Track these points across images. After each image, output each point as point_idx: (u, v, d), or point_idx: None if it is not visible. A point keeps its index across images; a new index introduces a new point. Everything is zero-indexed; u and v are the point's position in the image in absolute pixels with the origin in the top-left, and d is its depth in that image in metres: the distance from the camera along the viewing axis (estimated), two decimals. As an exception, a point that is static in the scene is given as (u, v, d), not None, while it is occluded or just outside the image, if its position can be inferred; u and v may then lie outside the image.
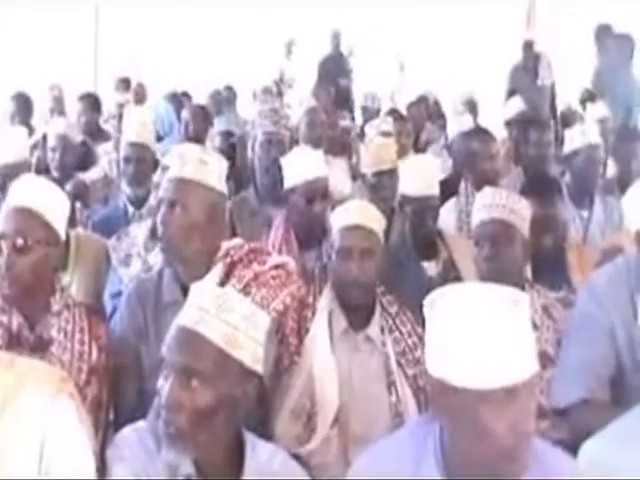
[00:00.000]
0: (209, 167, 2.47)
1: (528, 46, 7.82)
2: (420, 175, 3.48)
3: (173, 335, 1.81)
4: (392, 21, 11.16)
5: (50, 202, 2.32)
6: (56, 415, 1.68)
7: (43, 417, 1.66)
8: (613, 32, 6.75)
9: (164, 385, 1.78)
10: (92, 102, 6.06)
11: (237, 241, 2.62)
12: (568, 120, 6.19)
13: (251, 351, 1.80)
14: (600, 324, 2.43)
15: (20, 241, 2.25)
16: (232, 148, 5.40)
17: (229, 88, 8.07)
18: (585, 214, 4.12)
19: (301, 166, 3.32)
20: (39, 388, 1.69)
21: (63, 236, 2.37)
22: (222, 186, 2.52)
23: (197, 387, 1.75)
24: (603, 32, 6.77)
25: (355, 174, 5.03)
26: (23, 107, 6.06)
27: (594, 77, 7.14)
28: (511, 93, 7.22)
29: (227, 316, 1.78)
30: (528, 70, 7.59)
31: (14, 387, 1.67)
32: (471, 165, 4.12)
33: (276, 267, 2.55)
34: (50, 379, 1.74)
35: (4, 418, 1.65)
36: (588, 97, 7.04)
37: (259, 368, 1.83)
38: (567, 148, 4.34)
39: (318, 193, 3.28)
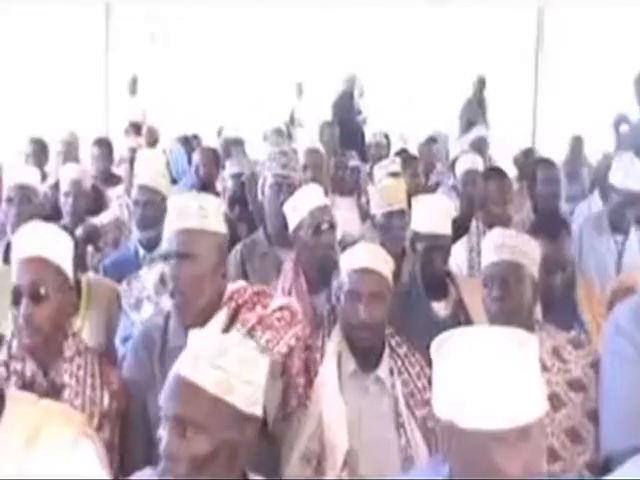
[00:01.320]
0: (209, 212, 2.47)
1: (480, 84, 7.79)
2: (433, 213, 3.47)
3: (169, 385, 1.81)
4: (402, 60, 11.26)
5: (59, 248, 2.35)
6: (78, 460, 1.69)
7: (66, 461, 1.67)
8: None
9: (163, 434, 1.79)
10: (105, 147, 6.12)
11: (241, 284, 2.63)
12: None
13: (248, 394, 1.80)
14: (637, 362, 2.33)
15: (39, 291, 2.27)
16: (243, 190, 5.43)
17: (238, 129, 8.12)
18: (619, 239, 4.15)
19: (302, 201, 3.34)
20: (62, 430, 1.70)
21: (73, 280, 2.39)
22: (222, 227, 2.53)
23: (192, 436, 1.75)
24: None
25: (364, 215, 5.04)
26: (39, 152, 6.12)
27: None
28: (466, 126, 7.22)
29: (220, 361, 1.78)
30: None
31: (40, 423, 1.69)
32: (484, 206, 4.13)
33: (280, 309, 2.55)
34: (73, 421, 1.75)
35: (29, 454, 1.66)
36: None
37: (258, 411, 1.82)
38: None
39: (324, 220, 3.28)
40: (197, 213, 2.45)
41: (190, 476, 1.75)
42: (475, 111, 7.28)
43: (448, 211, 3.57)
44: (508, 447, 1.55)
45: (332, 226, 3.32)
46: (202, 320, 2.39)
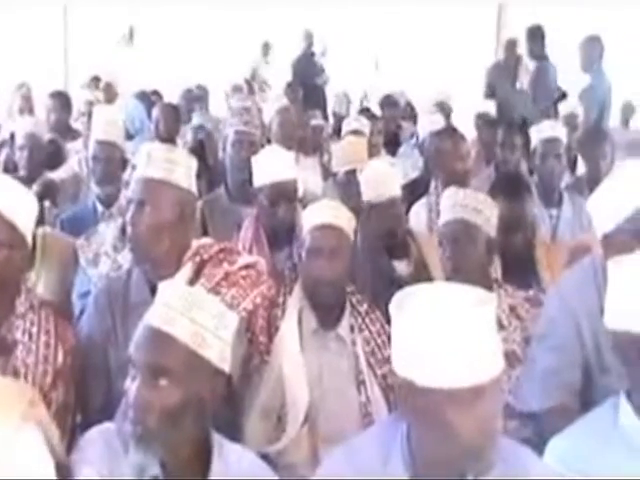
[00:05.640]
0: (177, 166, 2.46)
1: (511, 45, 7.77)
2: (377, 179, 3.50)
3: (141, 334, 1.80)
4: (367, 21, 11.19)
5: (16, 203, 2.27)
6: (19, 449, 1.64)
7: (7, 450, 1.63)
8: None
9: (131, 386, 1.77)
10: (62, 100, 6.00)
11: (207, 240, 2.62)
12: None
13: (219, 350, 1.80)
14: (569, 329, 2.41)
15: None
16: (203, 146, 5.38)
17: (201, 87, 8.04)
18: (554, 213, 4.14)
19: (269, 167, 3.30)
20: (4, 416, 1.65)
21: (30, 238, 2.33)
22: (191, 185, 2.51)
23: (165, 386, 1.75)
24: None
25: (327, 173, 5.03)
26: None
27: None
28: (489, 90, 7.21)
29: (195, 315, 1.78)
30: (509, 70, 7.55)
31: None
32: (441, 164, 4.13)
33: (246, 267, 2.54)
34: (18, 403, 1.70)
35: None
36: (562, 96, 7.07)
37: (226, 367, 1.83)
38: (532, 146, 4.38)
39: (283, 196, 3.24)
40: (165, 165, 2.44)
41: (160, 428, 1.75)
42: (499, 75, 7.17)
43: (392, 174, 3.58)
44: (463, 406, 1.56)
45: (291, 199, 3.28)
46: (165, 274, 2.37)
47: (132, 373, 1.79)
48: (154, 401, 1.74)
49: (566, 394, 2.39)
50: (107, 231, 3.20)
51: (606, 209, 2.28)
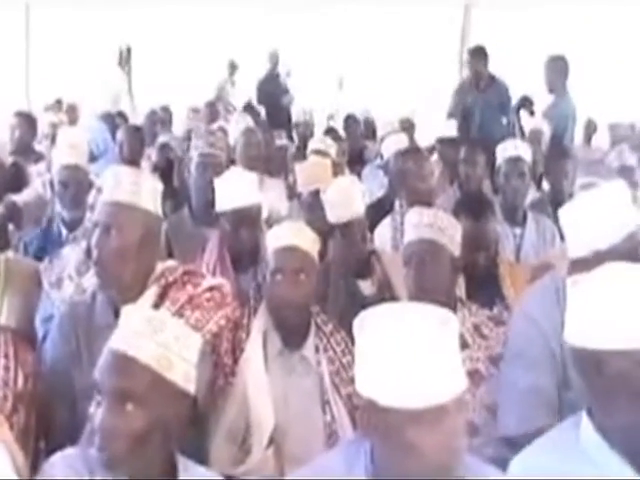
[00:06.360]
0: (144, 189, 2.47)
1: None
2: (341, 201, 3.50)
3: (106, 359, 1.80)
4: (332, 41, 11.25)
5: None
6: None
7: None
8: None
9: (97, 411, 1.76)
10: (28, 121, 5.96)
11: (171, 263, 2.62)
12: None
13: (183, 372, 1.80)
14: (542, 348, 2.41)
15: None
16: (170, 165, 5.38)
17: (165, 108, 8.04)
18: (518, 231, 4.18)
19: (231, 192, 3.30)
20: None
21: None
22: (157, 208, 2.52)
23: (131, 411, 1.74)
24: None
25: (292, 193, 5.04)
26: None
27: None
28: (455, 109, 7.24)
29: (159, 337, 1.78)
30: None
31: None
32: (405, 184, 4.16)
33: (210, 289, 2.54)
34: None
35: None
36: (524, 104, 7.11)
37: (192, 388, 1.83)
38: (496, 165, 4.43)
39: (245, 221, 3.25)
40: (130, 188, 2.44)
41: (127, 453, 1.74)
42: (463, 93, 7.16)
43: (356, 193, 3.57)
44: (425, 425, 1.57)
45: (254, 224, 3.29)
46: (130, 297, 2.37)
47: (98, 399, 1.78)
48: (121, 426, 1.74)
49: (550, 414, 2.34)
50: (71, 254, 3.19)
51: (591, 232, 2.27)
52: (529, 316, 2.48)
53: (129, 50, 9.80)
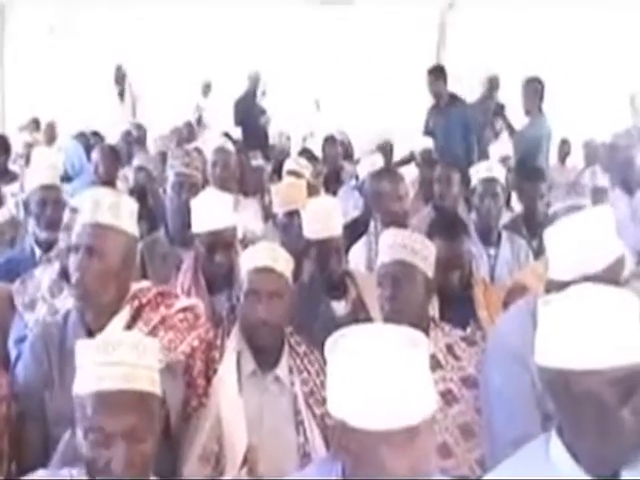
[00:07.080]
0: (122, 211, 2.46)
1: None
2: (320, 218, 3.49)
3: (98, 402, 1.78)
4: (310, 63, 11.30)
5: None
6: None
7: None
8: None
9: (105, 454, 1.75)
10: (1, 142, 5.95)
11: (145, 283, 2.62)
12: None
13: (151, 379, 1.83)
14: (523, 382, 2.35)
15: None
16: (144, 188, 5.37)
17: (140, 127, 8.02)
18: (493, 252, 4.21)
19: (206, 214, 3.29)
20: None
21: None
22: (135, 229, 2.51)
23: (148, 442, 1.78)
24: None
25: (268, 214, 5.05)
26: None
27: None
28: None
29: (115, 356, 1.80)
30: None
31: None
32: (380, 205, 4.17)
33: (184, 310, 2.54)
34: None
35: None
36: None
37: (158, 391, 1.85)
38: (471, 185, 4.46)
39: (220, 244, 3.24)
40: (110, 210, 2.43)
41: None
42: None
43: (335, 212, 3.56)
44: (396, 446, 1.57)
45: (228, 246, 3.27)
46: (104, 319, 2.37)
47: (100, 440, 1.76)
48: (138, 460, 1.77)
49: None
50: (44, 275, 3.16)
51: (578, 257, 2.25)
52: (506, 346, 2.44)
53: (120, 68, 9.77)
